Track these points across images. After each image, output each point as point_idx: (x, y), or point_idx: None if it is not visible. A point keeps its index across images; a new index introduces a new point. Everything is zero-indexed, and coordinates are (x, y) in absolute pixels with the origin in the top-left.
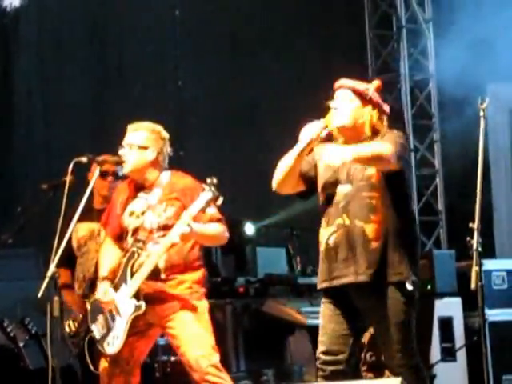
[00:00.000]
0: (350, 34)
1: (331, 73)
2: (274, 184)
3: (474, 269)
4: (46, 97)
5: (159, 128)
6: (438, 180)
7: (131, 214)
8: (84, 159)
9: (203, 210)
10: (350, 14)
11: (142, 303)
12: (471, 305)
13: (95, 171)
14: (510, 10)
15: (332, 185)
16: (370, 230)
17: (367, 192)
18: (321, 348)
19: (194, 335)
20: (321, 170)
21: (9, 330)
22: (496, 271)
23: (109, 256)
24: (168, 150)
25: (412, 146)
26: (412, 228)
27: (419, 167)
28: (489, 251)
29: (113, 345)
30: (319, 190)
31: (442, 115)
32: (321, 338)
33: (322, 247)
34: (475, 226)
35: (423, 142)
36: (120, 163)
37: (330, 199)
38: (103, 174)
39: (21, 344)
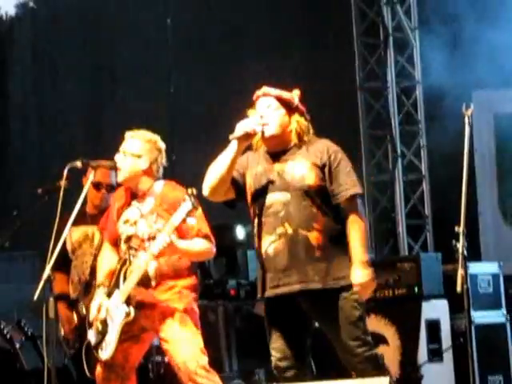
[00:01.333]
0: (337, 42)
1: (321, 81)
2: (207, 190)
3: (460, 272)
4: (41, 102)
5: (156, 138)
6: (424, 185)
7: (125, 221)
8: (78, 164)
9: (184, 221)
10: (337, 23)
11: (132, 310)
12: (457, 307)
13: (89, 176)
14: (495, 19)
15: (265, 193)
16: (314, 237)
17: (307, 201)
18: (275, 355)
19: (181, 338)
20: (250, 180)
21: (5, 331)
22: (481, 274)
23: (106, 261)
24: (163, 160)
25: (399, 152)
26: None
27: (406, 172)
28: (474, 255)
29: (106, 350)
30: (250, 199)
31: (428, 121)
32: (273, 344)
33: (262, 256)
34: (461, 229)
35: (410, 148)
36: (114, 168)
37: (264, 208)
38: (97, 186)
39: (17, 345)
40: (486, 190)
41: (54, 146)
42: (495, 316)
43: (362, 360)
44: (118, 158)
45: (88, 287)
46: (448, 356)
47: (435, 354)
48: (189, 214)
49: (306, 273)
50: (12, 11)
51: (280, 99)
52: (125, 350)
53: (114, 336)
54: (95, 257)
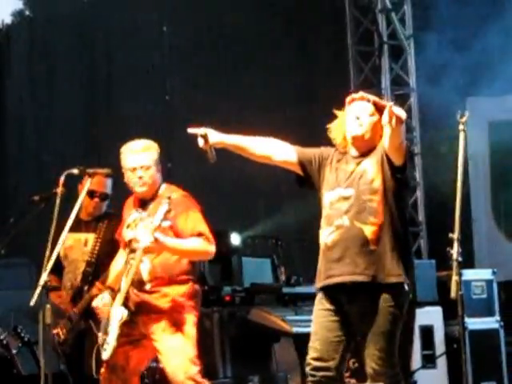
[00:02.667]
0: (333, 49)
1: (315, 87)
2: None
3: (454, 278)
4: (38, 110)
5: (155, 145)
6: (418, 192)
7: (128, 226)
8: (75, 171)
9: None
10: (333, 31)
11: (125, 311)
12: (451, 313)
13: (86, 183)
14: (490, 27)
15: (334, 189)
16: (369, 231)
17: (368, 195)
18: (312, 354)
19: (172, 347)
20: (327, 174)
21: (2, 337)
22: (475, 281)
23: (117, 266)
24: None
25: None
26: (407, 235)
27: None
28: (468, 261)
29: (105, 350)
30: (322, 191)
31: (422, 129)
32: (312, 343)
33: (321, 247)
34: (455, 236)
35: None
36: (110, 175)
37: (329, 202)
38: (91, 194)
39: (14, 351)
40: (480, 196)
41: (51, 152)
42: (489, 322)
43: (379, 374)
44: (139, 174)
45: (80, 293)
46: (442, 362)
47: (429, 360)
48: (165, 215)
49: (358, 265)
50: (8, 19)
51: (376, 105)
52: (125, 352)
53: (113, 337)
54: (87, 263)
